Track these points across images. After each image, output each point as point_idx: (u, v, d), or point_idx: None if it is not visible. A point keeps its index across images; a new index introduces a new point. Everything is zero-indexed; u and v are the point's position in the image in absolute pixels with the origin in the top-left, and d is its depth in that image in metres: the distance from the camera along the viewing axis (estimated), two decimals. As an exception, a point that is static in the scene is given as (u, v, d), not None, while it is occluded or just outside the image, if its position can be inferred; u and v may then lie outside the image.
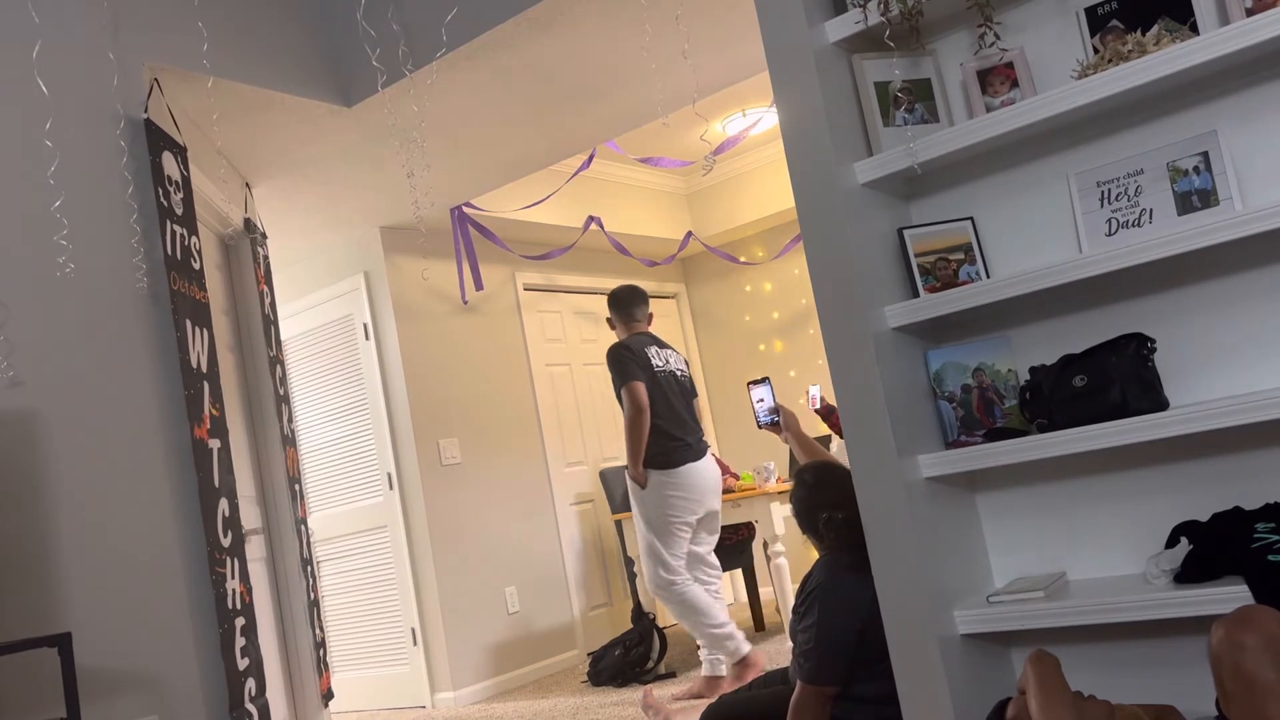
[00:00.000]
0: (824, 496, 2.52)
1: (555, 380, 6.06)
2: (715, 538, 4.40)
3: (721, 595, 4.38)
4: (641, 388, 4.13)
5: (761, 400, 2.97)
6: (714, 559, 4.41)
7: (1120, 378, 2.01)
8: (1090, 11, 2.17)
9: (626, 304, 4.41)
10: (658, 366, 4.21)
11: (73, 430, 2.69)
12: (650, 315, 4.44)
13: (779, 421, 2.96)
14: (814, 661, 2.42)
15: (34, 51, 2.80)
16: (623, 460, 6.11)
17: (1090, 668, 2.25)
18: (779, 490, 4.79)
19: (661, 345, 4.36)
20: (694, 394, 4.37)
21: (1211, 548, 1.96)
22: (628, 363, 4.18)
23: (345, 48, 3.76)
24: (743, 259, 6.74)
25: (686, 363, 4.44)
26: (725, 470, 5.56)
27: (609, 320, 4.48)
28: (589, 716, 4.21)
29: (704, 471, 4.22)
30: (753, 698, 2.81)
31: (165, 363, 2.93)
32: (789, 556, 4.84)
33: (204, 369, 3.05)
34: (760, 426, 2.99)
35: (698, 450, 4.24)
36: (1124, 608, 1.96)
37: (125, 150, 2.95)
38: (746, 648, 4.17)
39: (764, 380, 3.00)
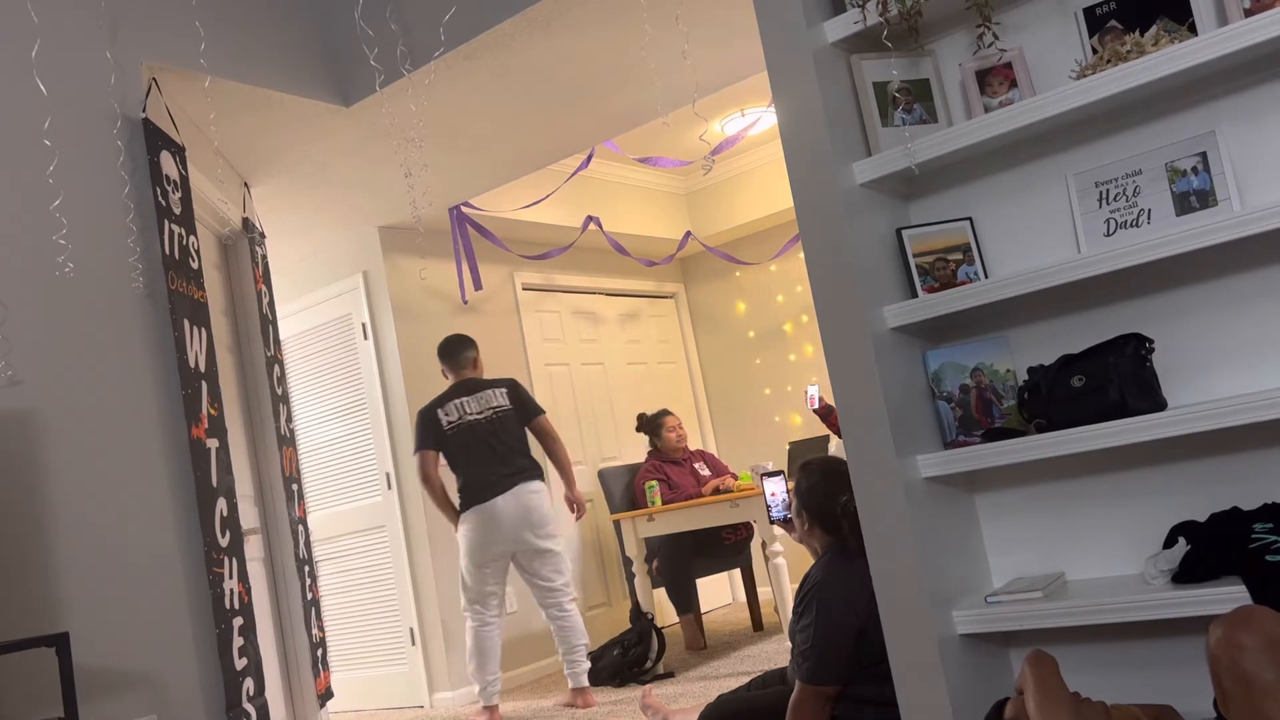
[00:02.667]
0: (837, 484, 2.52)
1: (554, 380, 6.06)
2: (554, 572, 4.43)
3: (571, 621, 4.44)
4: (422, 458, 4.45)
5: (774, 494, 2.93)
6: (560, 588, 4.44)
7: (1119, 378, 2.01)
8: (1089, 12, 2.17)
9: (446, 355, 4.64)
10: (450, 423, 4.44)
11: (71, 430, 2.69)
12: (472, 359, 4.61)
13: (793, 520, 2.93)
14: (813, 661, 2.41)
15: (33, 51, 2.80)
16: (621, 460, 6.14)
17: (1088, 668, 2.25)
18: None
19: (473, 389, 4.50)
20: (517, 424, 4.46)
21: (1209, 548, 1.96)
22: (417, 431, 4.50)
23: (344, 47, 3.75)
24: (742, 259, 6.74)
25: (508, 390, 4.52)
26: (723, 470, 5.57)
27: (442, 370, 4.71)
28: (588, 716, 4.21)
29: (495, 511, 4.34)
30: (752, 698, 2.81)
31: (163, 362, 2.93)
32: (787, 557, 4.83)
33: (202, 369, 3.05)
34: (772, 522, 2.95)
35: (497, 488, 4.35)
36: (1122, 608, 1.96)
37: (123, 150, 2.95)
38: (494, 701, 4.38)
39: (779, 473, 2.96)
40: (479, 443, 4.39)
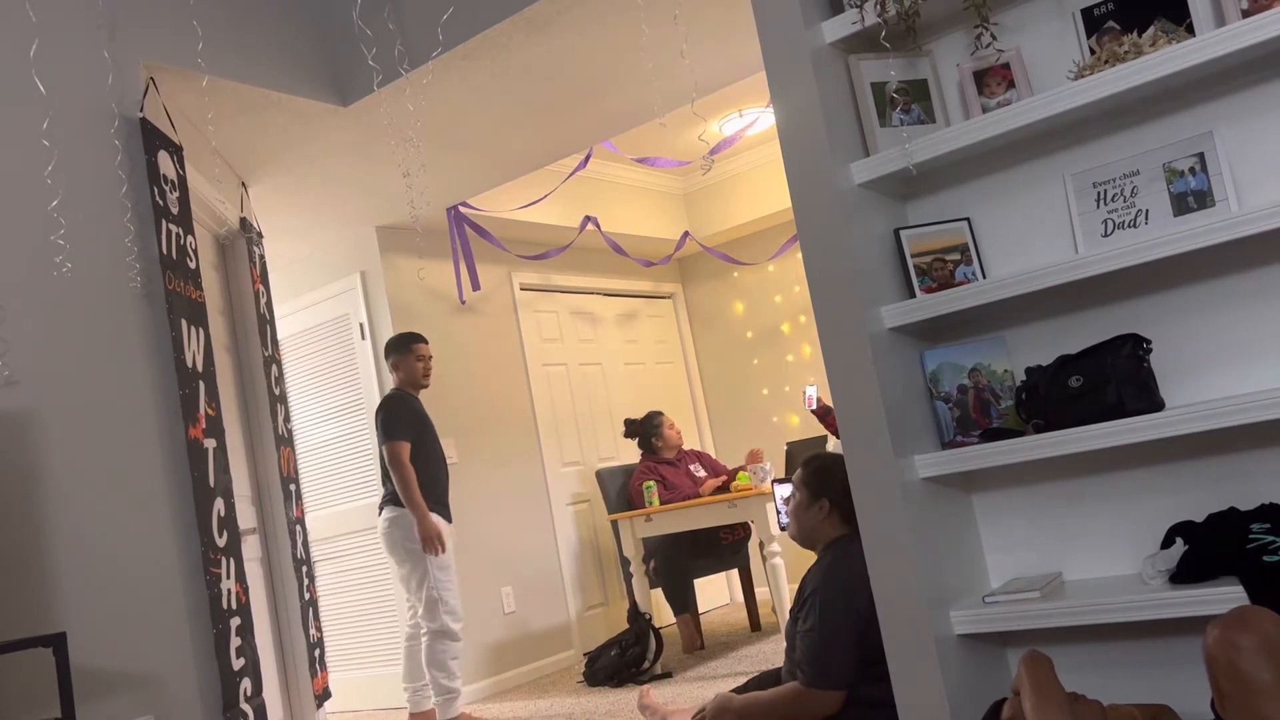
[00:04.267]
0: (836, 476, 2.54)
1: (552, 380, 6.06)
2: (411, 596, 4.36)
3: (417, 648, 4.40)
4: None
5: (786, 500, 2.94)
6: (417, 617, 4.38)
7: (1116, 378, 2.01)
8: (1087, 13, 2.17)
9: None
10: None
11: (68, 429, 2.68)
12: (392, 365, 4.49)
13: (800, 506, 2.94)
14: (817, 665, 2.41)
15: (31, 50, 2.80)
16: (618, 460, 6.14)
17: (1086, 668, 2.25)
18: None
19: None
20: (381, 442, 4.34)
21: (1207, 548, 1.96)
22: None
23: (341, 47, 3.75)
24: (739, 259, 6.74)
25: (376, 413, 4.38)
26: (721, 470, 5.56)
27: None
28: (585, 717, 4.21)
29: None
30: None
31: (161, 362, 2.92)
32: (785, 557, 4.83)
33: (200, 368, 3.04)
34: (782, 529, 2.95)
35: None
36: (1119, 608, 1.96)
37: (121, 149, 2.94)
38: (420, 708, 4.42)
39: (789, 480, 2.97)
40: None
